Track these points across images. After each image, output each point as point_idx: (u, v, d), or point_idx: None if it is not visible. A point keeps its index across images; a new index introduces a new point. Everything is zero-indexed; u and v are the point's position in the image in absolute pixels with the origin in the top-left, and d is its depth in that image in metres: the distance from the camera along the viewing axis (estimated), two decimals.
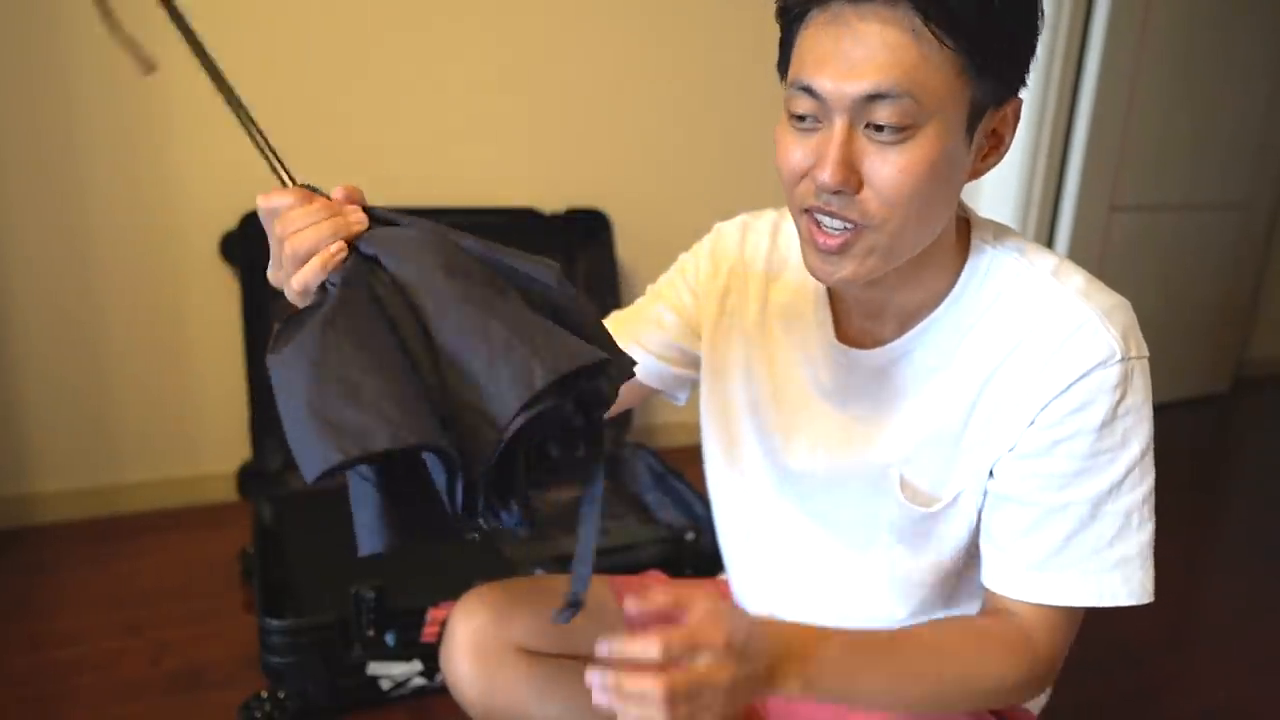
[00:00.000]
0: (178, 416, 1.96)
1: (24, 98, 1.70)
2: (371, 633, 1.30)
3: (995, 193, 2.42)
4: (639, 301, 0.93)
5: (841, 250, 0.67)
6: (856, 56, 0.61)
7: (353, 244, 0.58)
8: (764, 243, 0.88)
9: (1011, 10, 0.62)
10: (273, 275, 0.61)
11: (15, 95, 1.69)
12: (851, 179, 0.64)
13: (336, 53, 1.91)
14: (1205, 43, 2.58)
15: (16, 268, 1.76)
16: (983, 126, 0.66)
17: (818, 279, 0.71)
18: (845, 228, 0.66)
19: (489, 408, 0.53)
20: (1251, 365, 3.30)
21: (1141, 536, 0.68)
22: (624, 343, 0.88)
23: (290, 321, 0.55)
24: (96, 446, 1.91)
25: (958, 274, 0.74)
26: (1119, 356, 0.66)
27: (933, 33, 0.60)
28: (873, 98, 0.61)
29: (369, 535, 0.54)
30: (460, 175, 2.08)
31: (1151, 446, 0.69)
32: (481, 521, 0.57)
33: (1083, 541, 0.68)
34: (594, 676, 0.56)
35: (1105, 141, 2.48)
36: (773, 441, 0.84)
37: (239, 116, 0.64)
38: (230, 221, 1.88)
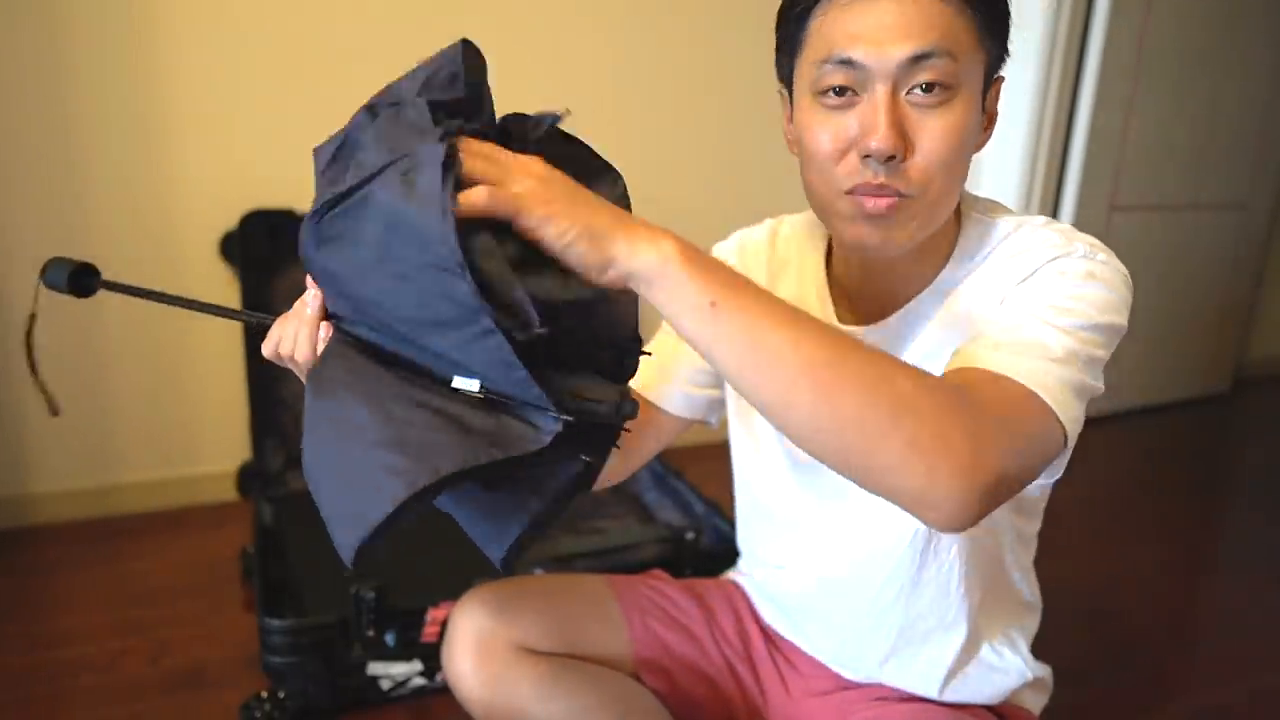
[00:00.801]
0: (178, 416, 1.96)
1: (24, 98, 1.70)
2: (371, 633, 1.30)
3: (995, 192, 2.41)
4: (655, 339, 0.94)
5: (890, 213, 0.67)
6: (893, 23, 0.64)
7: (329, 317, 0.62)
8: (763, 249, 0.90)
9: None
10: None
11: (15, 96, 1.69)
12: (901, 144, 0.65)
13: (334, 51, 1.91)
14: (1205, 42, 2.58)
15: (16, 268, 1.75)
16: (988, 99, 0.70)
17: (867, 248, 0.70)
18: (892, 197, 0.67)
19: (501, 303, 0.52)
20: (1251, 365, 3.30)
21: (1085, 379, 0.64)
22: (650, 384, 0.90)
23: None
24: (96, 446, 1.91)
25: (954, 245, 0.76)
26: (1081, 252, 0.68)
27: None
28: (917, 59, 0.64)
29: (497, 536, 0.61)
30: None
31: (1112, 340, 0.67)
32: (567, 422, 0.54)
33: (1038, 339, 0.63)
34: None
35: (1105, 141, 2.48)
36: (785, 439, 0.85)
37: (205, 308, 0.70)
38: (230, 221, 1.88)
